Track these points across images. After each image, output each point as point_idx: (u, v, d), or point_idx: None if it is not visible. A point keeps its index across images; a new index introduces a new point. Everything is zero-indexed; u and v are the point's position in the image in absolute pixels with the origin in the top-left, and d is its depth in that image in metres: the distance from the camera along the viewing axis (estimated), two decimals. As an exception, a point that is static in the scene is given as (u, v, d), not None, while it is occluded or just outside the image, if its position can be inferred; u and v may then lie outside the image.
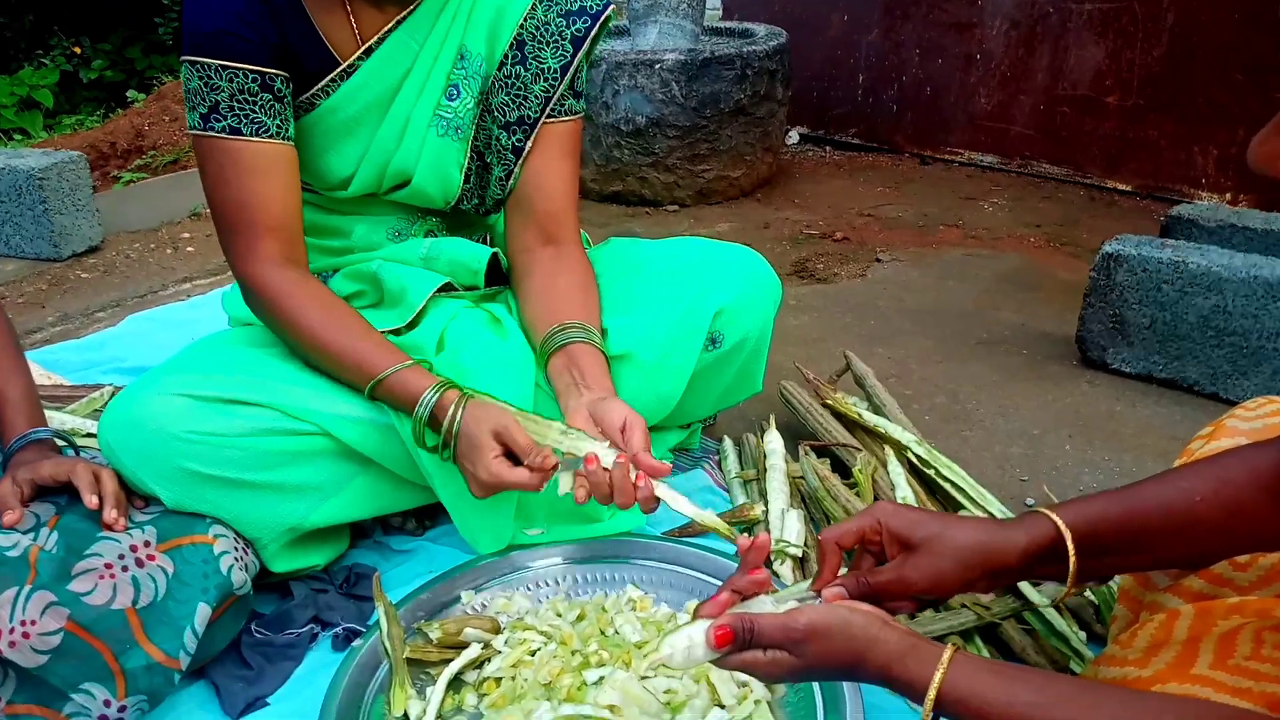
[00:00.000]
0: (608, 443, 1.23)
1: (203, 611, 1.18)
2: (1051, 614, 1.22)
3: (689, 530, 1.50)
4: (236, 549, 1.27)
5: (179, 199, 3.07)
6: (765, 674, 0.89)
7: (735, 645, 0.87)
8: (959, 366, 2.12)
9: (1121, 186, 3.40)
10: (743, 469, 1.67)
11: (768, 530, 1.48)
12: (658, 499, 1.20)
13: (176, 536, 1.23)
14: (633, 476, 1.19)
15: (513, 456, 1.23)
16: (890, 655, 0.82)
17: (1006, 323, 2.35)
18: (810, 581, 0.97)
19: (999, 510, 1.47)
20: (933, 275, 2.67)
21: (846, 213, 3.23)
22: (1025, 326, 2.32)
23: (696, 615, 0.94)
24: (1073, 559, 0.87)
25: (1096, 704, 0.77)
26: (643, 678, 1.16)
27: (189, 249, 2.85)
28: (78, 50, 5.76)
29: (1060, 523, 0.87)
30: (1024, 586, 1.26)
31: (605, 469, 1.19)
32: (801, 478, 1.60)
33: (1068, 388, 2.03)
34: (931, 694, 0.80)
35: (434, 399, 1.24)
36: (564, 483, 1.23)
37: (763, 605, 0.95)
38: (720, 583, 1.35)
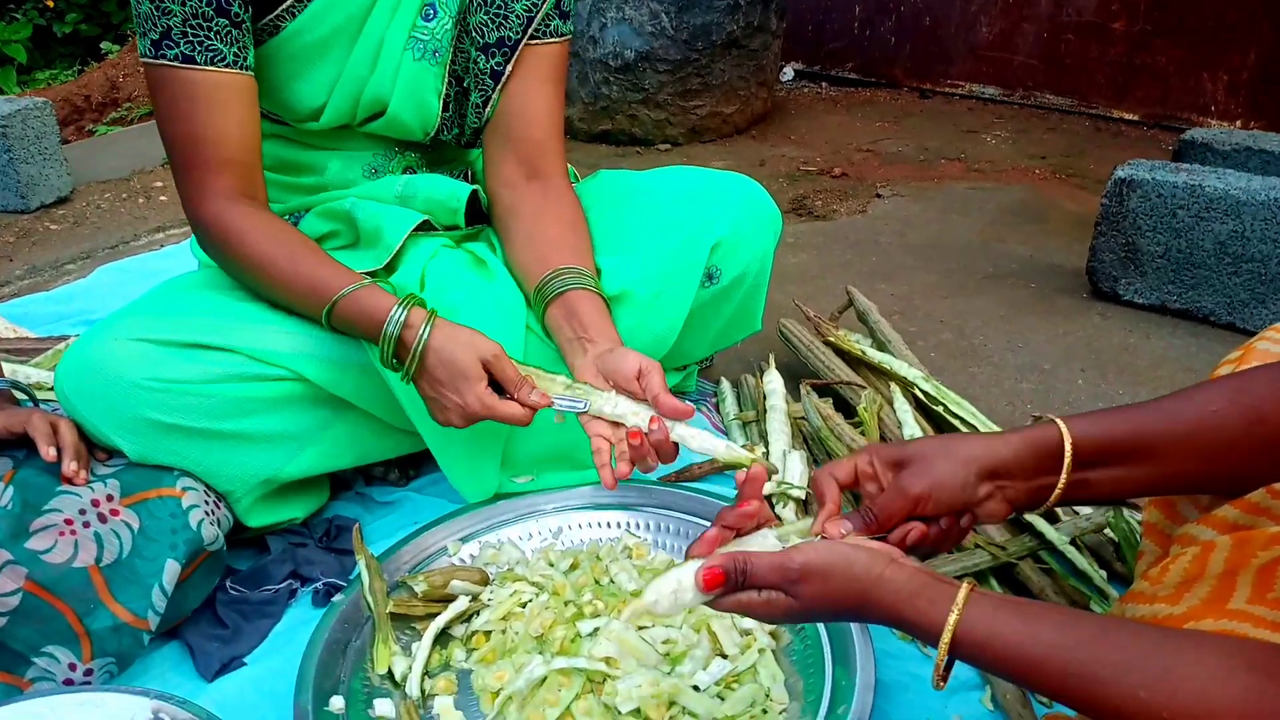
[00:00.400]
0: (616, 394, 1.15)
1: (171, 569, 1.12)
2: (1071, 552, 1.16)
3: (687, 474, 1.43)
4: (207, 503, 1.20)
5: (151, 147, 2.95)
6: (762, 616, 0.83)
7: (727, 587, 0.81)
8: (965, 301, 2.05)
9: (1128, 116, 3.29)
10: (741, 410, 1.60)
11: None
12: (676, 445, 1.12)
13: (142, 490, 1.16)
14: (646, 421, 1.12)
15: (497, 388, 1.15)
16: (899, 595, 0.76)
17: (1013, 256, 2.26)
18: (813, 520, 0.90)
19: (1011, 446, 1.40)
20: (935, 209, 2.58)
21: (845, 149, 3.13)
22: (1033, 259, 2.24)
23: (687, 556, 0.87)
24: (1068, 441, 0.82)
25: (1123, 643, 0.70)
26: (640, 627, 1.10)
27: (162, 198, 2.75)
28: (50, 4, 5.57)
29: (1055, 419, 0.83)
30: (1041, 524, 1.19)
31: (639, 430, 1.11)
32: (803, 418, 1.53)
33: (1079, 320, 1.95)
34: (946, 637, 0.74)
35: (403, 315, 1.15)
36: (560, 403, 1.15)
37: (765, 541, 0.89)
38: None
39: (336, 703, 1.03)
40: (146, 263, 2.26)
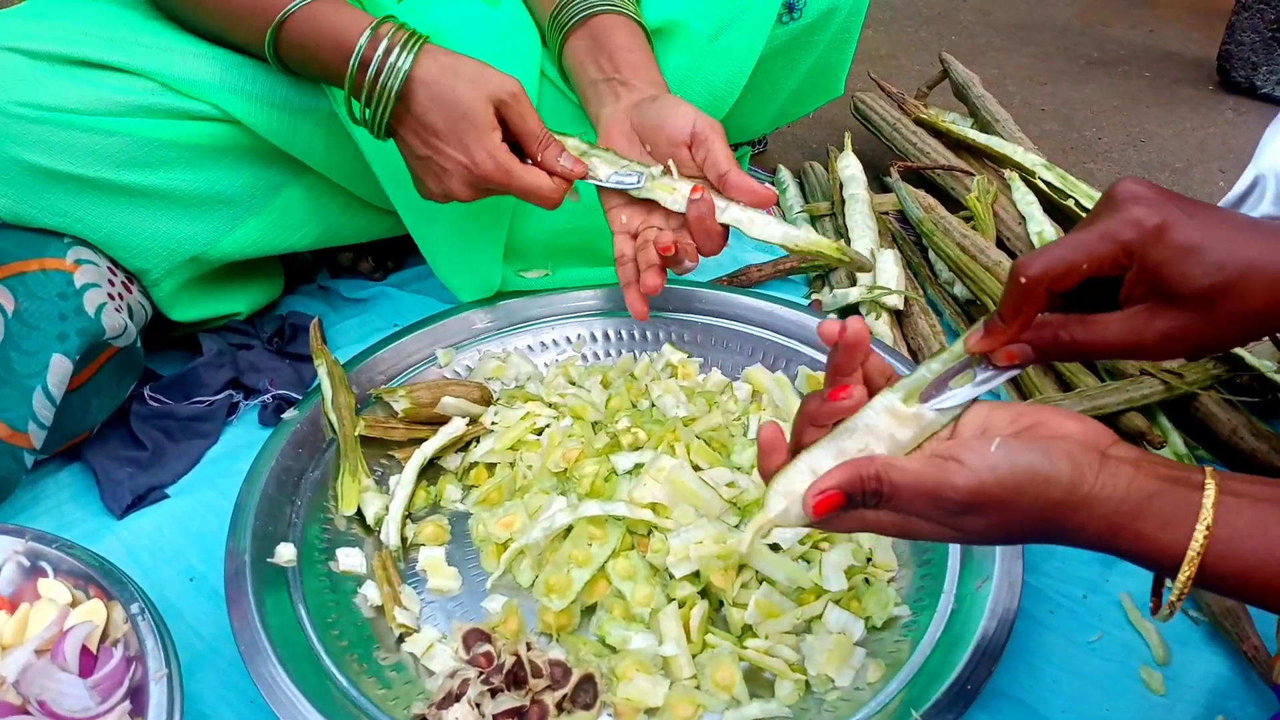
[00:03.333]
0: (658, 167, 0.84)
1: (60, 366, 0.82)
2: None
3: (744, 277, 1.13)
4: (112, 284, 0.89)
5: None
6: (895, 534, 0.55)
7: (850, 505, 0.53)
8: (1071, 88, 1.69)
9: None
10: (809, 202, 1.28)
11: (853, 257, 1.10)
12: (726, 228, 0.83)
13: (18, 260, 0.85)
14: (685, 193, 0.83)
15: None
16: (1116, 514, 0.49)
17: (1121, 41, 1.89)
18: (959, 344, 0.57)
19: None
20: (1021, -12, 2.17)
21: (905, -81, 2.67)
22: (1145, 46, 1.87)
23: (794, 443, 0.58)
24: None
25: None
26: (697, 468, 0.81)
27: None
28: None
29: None
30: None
31: (670, 240, 0.83)
32: (886, 213, 1.21)
33: (1207, 115, 1.61)
34: (1189, 570, 0.48)
35: (382, 43, 0.80)
36: (601, 172, 0.85)
37: (876, 416, 0.56)
38: (790, 341, 1.00)
39: (285, 551, 0.76)
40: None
